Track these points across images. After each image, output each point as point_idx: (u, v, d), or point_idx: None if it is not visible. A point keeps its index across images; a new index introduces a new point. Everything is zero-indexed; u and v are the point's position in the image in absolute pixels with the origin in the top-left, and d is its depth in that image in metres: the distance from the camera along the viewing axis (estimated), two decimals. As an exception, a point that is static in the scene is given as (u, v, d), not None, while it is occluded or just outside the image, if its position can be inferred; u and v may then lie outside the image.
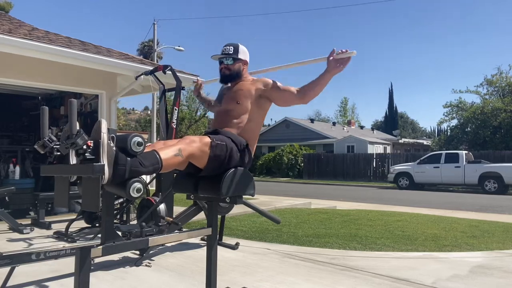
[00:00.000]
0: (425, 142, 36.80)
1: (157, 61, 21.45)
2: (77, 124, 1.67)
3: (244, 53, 2.45)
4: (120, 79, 7.30)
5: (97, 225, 4.69)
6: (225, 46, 2.43)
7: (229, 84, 2.46)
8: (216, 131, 2.20)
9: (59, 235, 4.61)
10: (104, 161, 1.57)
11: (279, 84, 2.35)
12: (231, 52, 2.40)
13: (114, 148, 1.63)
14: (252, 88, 2.31)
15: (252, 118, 2.28)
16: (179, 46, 21.11)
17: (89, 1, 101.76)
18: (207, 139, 1.96)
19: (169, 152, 1.80)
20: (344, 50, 2.22)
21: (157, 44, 21.73)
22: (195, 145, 1.90)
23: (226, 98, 2.39)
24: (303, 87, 2.30)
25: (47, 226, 5.12)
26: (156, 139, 16.38)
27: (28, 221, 5.44)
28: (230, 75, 2.40)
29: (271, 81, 2.35)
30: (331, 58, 2.24)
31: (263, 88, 2.32)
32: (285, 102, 2.37)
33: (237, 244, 4.26)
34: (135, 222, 4.58)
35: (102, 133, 1.60)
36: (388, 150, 28.91)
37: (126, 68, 6.35)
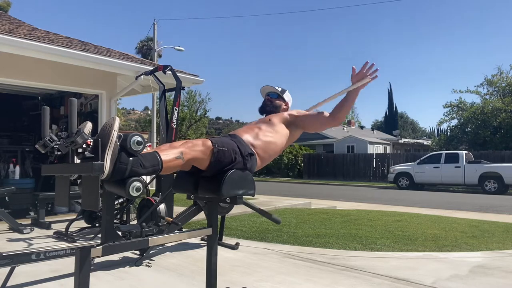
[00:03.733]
0: (425, 142, 36.78)
1: (156, 61, 21.45)
2: (90, 124, 1.70)
3: (288, 97, 2.68)
4: (120, 79, 7.30)
5: (97, 225, 4.69)
6: (276, 86, 2.68)
7: (263, 115, 2.63)
8: (223, 135, 2.23)
9: (59, 235, 4.61)
10: (108, 157, 1.59)
11: (307, 112, 2.49)
12: (278, 90, 2.65)
13: (119, 147, 1.65)
14: (285, 114, 2.45)
15: (275, 139, 2.33)
16: (179, 46, 21.12)
17: (88, 1, 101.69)
18: (209, 144, 1.96)
19: (170, 154, 1.80)
20: (368, 68, 2.34)
21: (156, 44, 21.71)
22: (197, 148, 1.91)
23: (262, 118, 2.51)
24: (334, 110, 2.40)
25: (47, 226, 5.12)
26: (156, 139, 16.38)
27: (28, 221, 5.44)
28: (269, 105, 2.61)
29: (303, 110, 2.51)
30: (354, 76, 2.36)
31: (296, 114, 2.44)
32: (320, 127, 2.49)
33: (237, 244, 4.26)
34: (135, 222, 4.58)
35: (113, 130, 1.63)
36: (388, 150, 28.91)
37: (126, 68, 6.35)
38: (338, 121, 2.40)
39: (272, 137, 2.30)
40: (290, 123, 2.41)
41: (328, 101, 2.53)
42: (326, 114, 2.40)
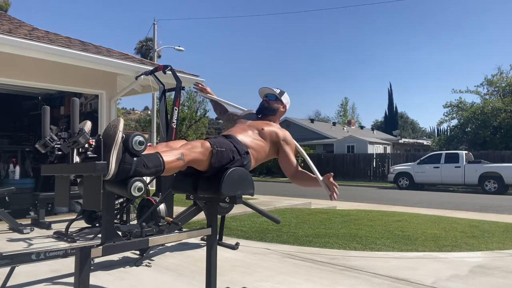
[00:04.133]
0: (425, 142, 36.79)
1: (156, 61, 21.44)
2: (90, 122, 1.71)
3: (286, 99, 2.71)
4: (120, 79, 7.30)
5: (97, 225, 4.69)
6: (275, 88, 2.70)
7: (259, 116, 2.67)
8: (222, 135, 2.27)
9: (59, 235, 4.61)
10: (113, 157, 1.61)
11: (290, 150, 2.52)
12: (277, 92, 2.67)
13: (122, 148, 1.66)
14: (276, 133, 2.47)
15: (264, 144, 2.39)
16: (179, 46, 21.13)
17: (88, 1, 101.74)
18: (208, 145, 1.98)
19: (172, 156, 1.83)
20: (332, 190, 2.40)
21: (156, 44, 21.71)
22: (197, 150, 1.94)
23: (255, 122, 2.54)
24: (301, 173, 2.50)
25: (47, 226, 5.12)
26: (156, 139, 16.38)
27: (28, 221, 5.44)
28: (266, 108, 2.64)
29: (291, 140, 2.53)
30: (326, 179, 2.42)
31: (282, 140, 2.47)
32: (283, 165, 2.53)
33: (237, 244, 4.26)
34: (135, 222, 4.58)
35: (118, 131, 1.65)
36: (388, 150, 28.91)
37: (126, 68, 6.35)
38: (293, 181, 2.54)
39: (262, 142, 2.38)
40: (275, 143, 2.45)
41: (306, 158, 2.64)
42: (294, 168, 2.49)
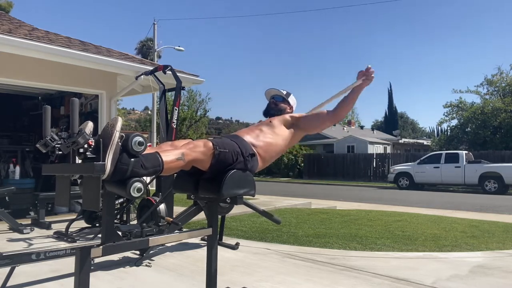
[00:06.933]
0: (425, 142, 36.78)
1: (156, 61, 21.44)
2: (92, 123, 1.70)
3: (292, 100, 2.71)
4: (120, 79, 7.30)
5: (97, 225, 4.69)
6: (282, 89, 2.71)
7: (267, 118, 2.66)
8: (228, 136, 2.25)
9: (59, 235, 4.61)
10: (109, 157, 1.59)
11: (306, 114, 2.53)
12: (283, 93, 2.68)
13: (121, 147, 1.65)
14: (287, 116, 2.49)
15: (275, 140, 2.35)
16: (179, 46, 21.14)
17: (88, 1, 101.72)
18: (210, 146, 1.96)
19: (172, 155, 1.81)
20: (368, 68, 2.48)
21: (156, 44, 21.70)
22: (198, 150, 1.91)
23: (263, 121, 2.55)
24: (335, 108, 2.46)
25: (47, 226, 5.12)
26: (156, 139, 16.37)
27: (28, 221, 5.44)
28: (273, 109, 2.64)
29: (303, 113, 2.55)
30: (362, 75, 2.47)
31: (297, 116, 2.49)
32: (320, 125, 2.53)
33: (237, 244, 4.26)
34: (135, 222, 4.58)
35: (115, 131, 1.63)
36: (388, 150, 28.89)
37: (126, 68, 6.35)
38: (339, 118, 2.48)
39: (272, 138, 2.33)
40: (291, 125, 2.44)
41: (331, 101, 2.58)
42: (325, 111, 2.47)
